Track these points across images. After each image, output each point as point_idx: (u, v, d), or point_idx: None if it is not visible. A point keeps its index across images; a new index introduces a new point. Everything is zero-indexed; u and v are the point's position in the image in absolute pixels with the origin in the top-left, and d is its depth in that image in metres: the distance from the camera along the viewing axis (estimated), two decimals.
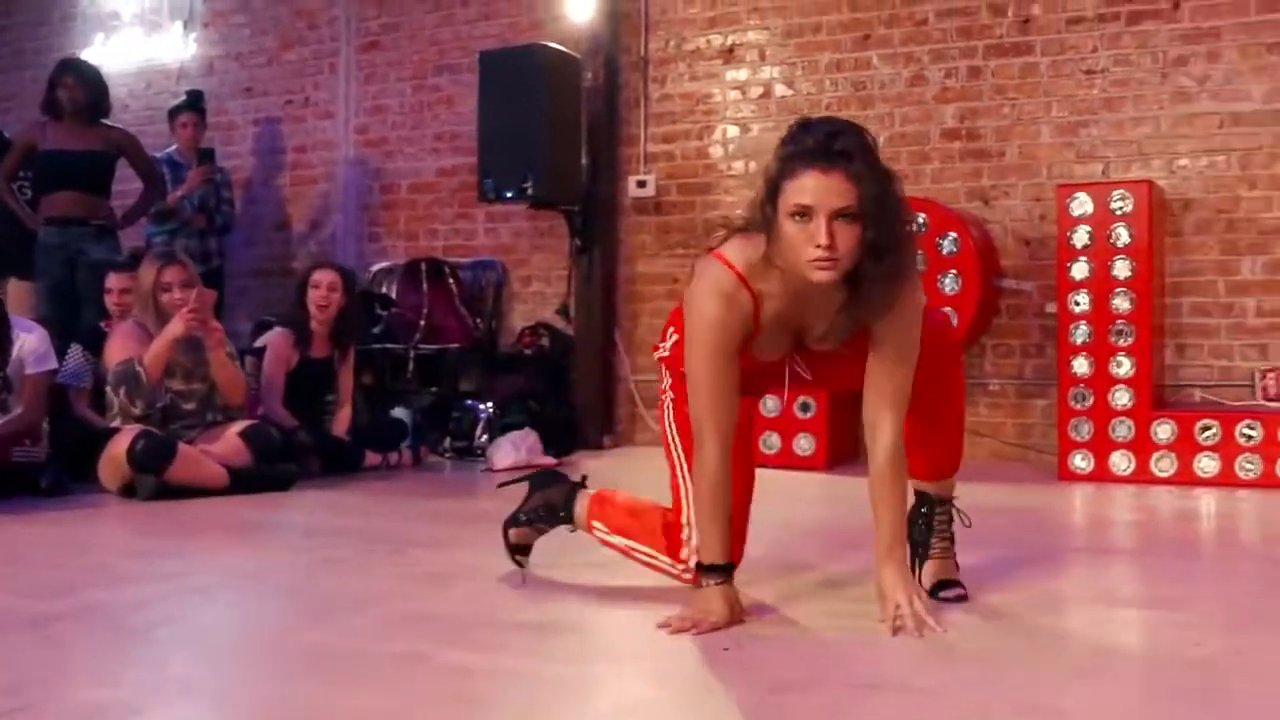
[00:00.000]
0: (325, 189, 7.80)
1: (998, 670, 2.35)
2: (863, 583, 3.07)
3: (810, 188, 2.47)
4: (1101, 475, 5.33)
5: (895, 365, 2.68)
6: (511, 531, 3.30)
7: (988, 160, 6.13)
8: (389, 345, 6.92)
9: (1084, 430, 5.37)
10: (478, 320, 7.10)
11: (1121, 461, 5.32)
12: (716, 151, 6.74)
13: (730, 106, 6.71)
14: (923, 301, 2.72)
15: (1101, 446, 5.35)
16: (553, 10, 7.05)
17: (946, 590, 2.96)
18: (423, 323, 6.93)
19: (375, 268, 7.44)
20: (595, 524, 3.12)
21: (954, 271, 5.63)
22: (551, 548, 3.28)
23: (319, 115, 7.82)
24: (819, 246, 2.47)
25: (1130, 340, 5.31)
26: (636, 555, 3.03)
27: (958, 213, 5.83)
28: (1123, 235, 5.32)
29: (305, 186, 7.87)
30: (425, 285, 7.05)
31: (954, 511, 3.02)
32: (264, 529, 4.30)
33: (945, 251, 5.63)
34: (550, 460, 6.08)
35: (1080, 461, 5.38)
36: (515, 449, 6.00)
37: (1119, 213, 5.32)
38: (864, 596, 2.84)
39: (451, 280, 7.11)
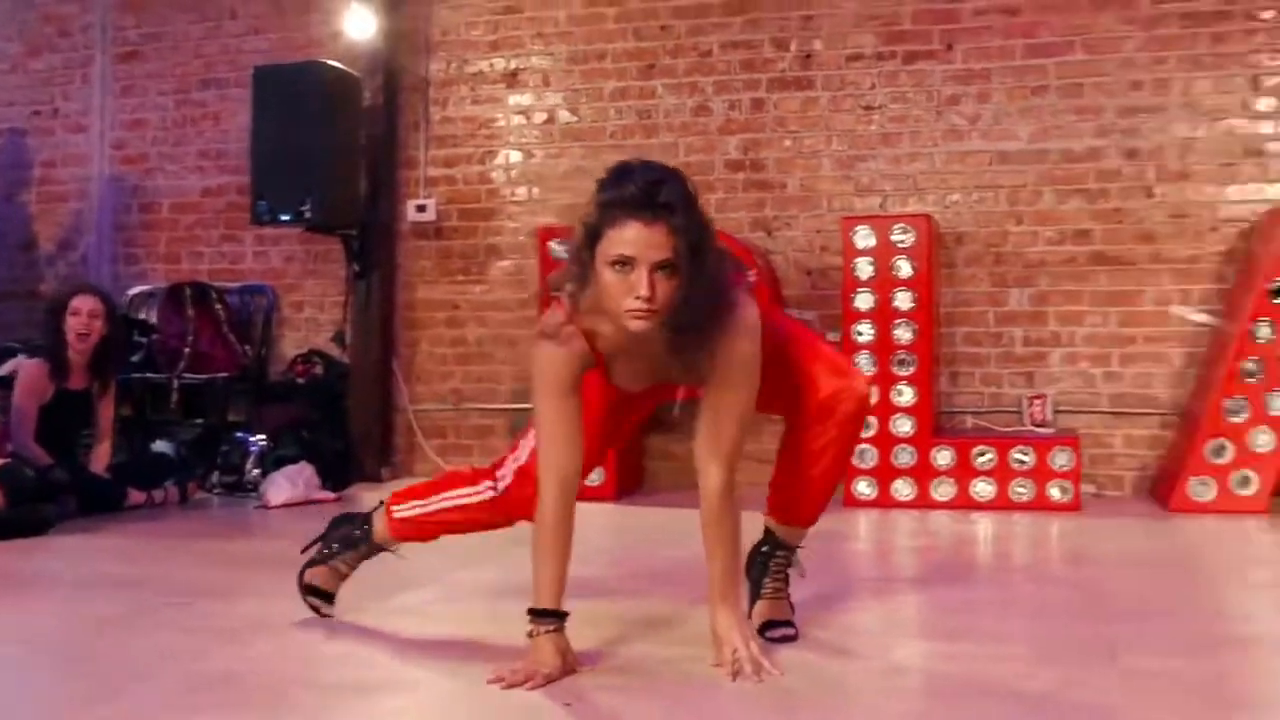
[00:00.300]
0: (77, 207, 7.28)
1: (841, 713, 2.32)
2: (685, 621, 3.04)
3: (631, 239, 2.44)
4: (885, 502, 5.46)
5: (722, 417, 2.65)
6: (309, 572, 3.12)
7: (770, 191, 6.22)
8: (150, 375, 6.51)
9: (868, 457, 5.48)
10: (246, 348, 6.75)
11: (904, 487, 5.46)
12: (499, 176, 6.62)
13: (514, 131, 6.61)
14: (751, 353, 2.66)
15: (884, 473, 5.47)
16: (329, 27, 6.79)
17: (774, 630, 2.94)
18: (187, 350, 6.54)
19: (133, 291, 6.98)
20: (394, 508, 3.07)
21: None
22: (355, 592, 3.11)
23: (70, 128, 7.31)
24: (638, 298, 2.43)
25: (911, 370, 5.47)
26: (446, 511, 3.01)
27: (743, 243, 5.89)
28: (904, 267, 5.47)
29: (54, 204, 7.33)
30: (190, 310, 6.66)
31: (793, 559, 3.01)
32: (25, 583, 3.93)
33: None
34: (328, 495, 5.83)
35: (865, 488, 5.49)
36: (291, 484, 5.72)
37: (900, 245, 5.47)
38: (690, 638, 2.80)
39: (219, 305, 6.73)
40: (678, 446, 6.05)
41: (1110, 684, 2.53)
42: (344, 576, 3.14)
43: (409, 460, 6.68)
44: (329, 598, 3.13)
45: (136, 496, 5.53)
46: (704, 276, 2.50)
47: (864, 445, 5.46)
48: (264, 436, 6.16)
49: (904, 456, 5.45)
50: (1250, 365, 5.13)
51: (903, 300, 5.47)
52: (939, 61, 6.04)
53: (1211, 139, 5.73)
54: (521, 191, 6.58)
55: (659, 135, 6.37)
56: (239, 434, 6.18)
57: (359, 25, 6.49)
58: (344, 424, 6.54)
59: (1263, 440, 5.11)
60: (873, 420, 5.46)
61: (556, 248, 5.65)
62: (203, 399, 6.58)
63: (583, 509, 2.67)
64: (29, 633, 3.12)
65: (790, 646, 2.83)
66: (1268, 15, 5.68)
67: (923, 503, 5.41)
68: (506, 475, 2.94)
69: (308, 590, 3.12)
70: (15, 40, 7.44)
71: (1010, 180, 5.94)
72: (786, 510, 2.97)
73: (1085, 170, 5.86)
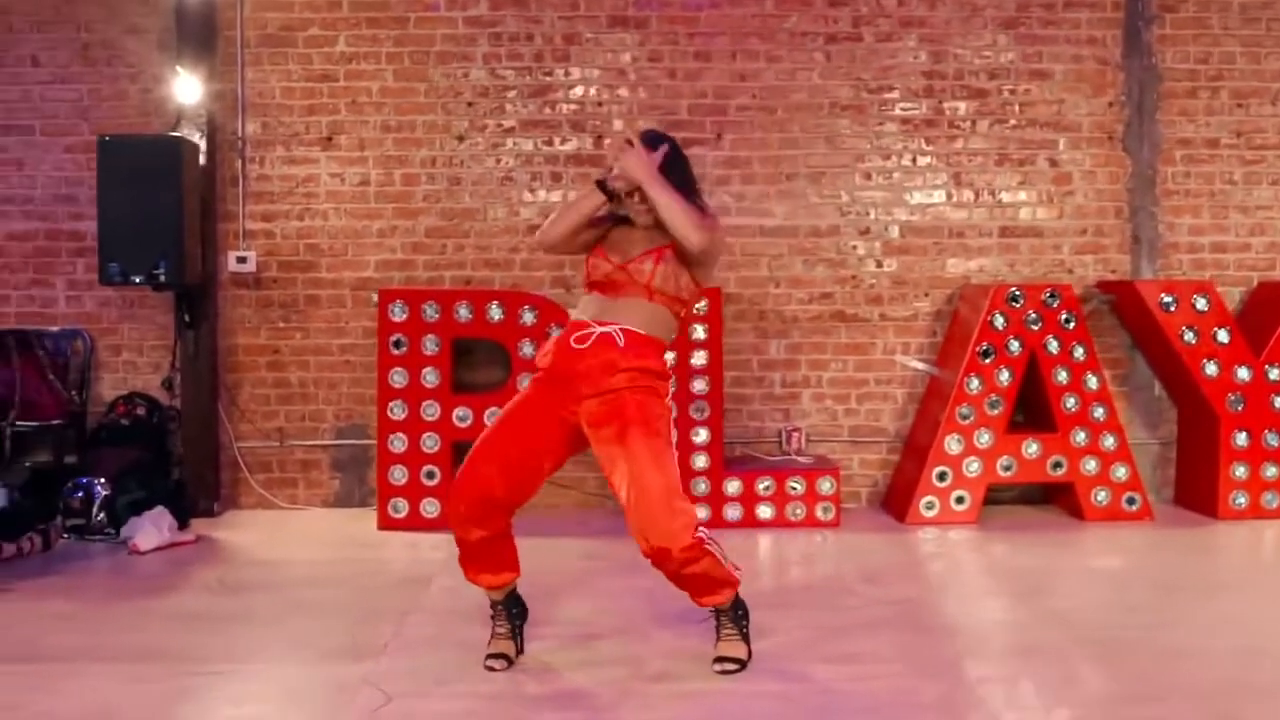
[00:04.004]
0: None
1: None
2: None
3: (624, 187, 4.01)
4: None
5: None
6: None
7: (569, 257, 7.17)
8: None
9: None
10: (71, 392, 7.04)
11: (700, 511, 6.62)
12: (317, 232, 7.20)
13: (330, 191, 7.21)
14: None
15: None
16: (139, 84, 7.14)
17: (722, 664, 4.04)
18: (17, 398, 6.79)
19: None
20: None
21: None
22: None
23: None
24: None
25: (705, 415, 6.64)
26: None
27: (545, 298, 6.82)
28: (699, 331, 6.63)
29: None
30: (14, 358, 6.88)
31: (731, 611, 4.10)
32: (40, 658, 4.35)
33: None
34: (189, 538, 6.35)
35: None
36: (157, 530, 6.20)
37: (697, 313, 6.61)
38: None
39: (40, 351, 6.99)
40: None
41: (963, 691, 3.79)
42: None
43: (234, 494, 7.21)
44: None
45: (7, 549, 5.88)
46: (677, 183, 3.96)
47: None
48: (105, 480, 6.56)
49: (701, 486, 6.63)
50: (964, 410, 6.64)
51: (699, 358, 6.63)
52: (710, 148, 7.20)
53: (924, 222, 7.21)
54: (339, 246, 7.21)
55: (465, 200, 7.19)
56: (84, 479, 6.54)
57: (185, 90, 6.90)
58: (172, 464, 6.99)
59: (973, 468, 6.64)
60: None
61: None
62: (32, 444, 6.84)
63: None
64: (123, 713, 3.72)
65: (741, 677, 3.96)
66: (966, 124, 7.20)
67: (715, 523, 6.60)
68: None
69: None
70: None
71: (769, 250, 7.20)
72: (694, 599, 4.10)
73: (829, 244, 7.21)
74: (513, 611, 4.24)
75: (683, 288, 4.03)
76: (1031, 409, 6.93)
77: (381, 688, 3.91)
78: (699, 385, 6.63)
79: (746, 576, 4.17)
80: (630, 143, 4.00)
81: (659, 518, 3.79)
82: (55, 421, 6.88)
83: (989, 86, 7.21)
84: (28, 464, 6.84)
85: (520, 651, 4.22)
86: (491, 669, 4.10)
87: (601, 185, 4.04)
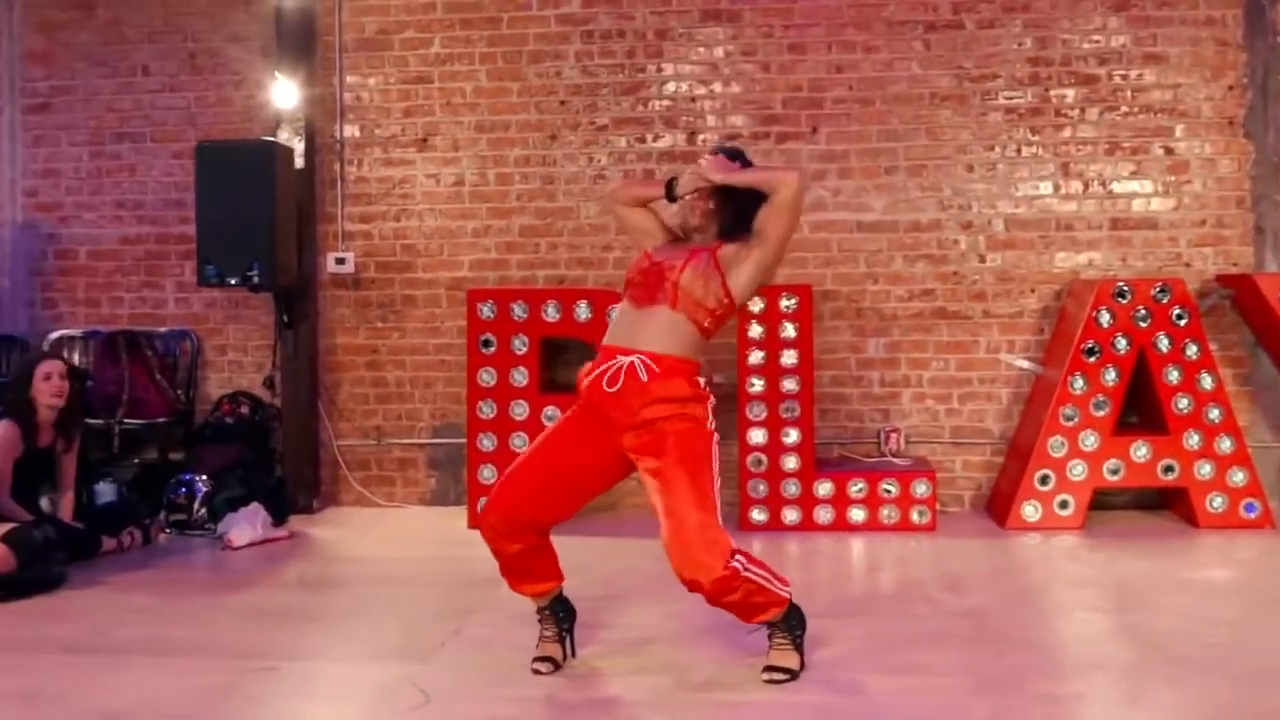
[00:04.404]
0: None
1: None
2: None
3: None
4: (775, 526, 6.48)
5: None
6: None
7: None
8: (89, 420, 6.93)
9: (760, 489, 6.48)
10: (178, 391, 7.25)
11: (790, 514, 6.49)
12: (413, 233, 7.28)
13: (425, 192, 7.27)
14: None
15: (775, 502, 6.49)
16: (244, 90, 7.32)
17: (770, 673, 3.90)
18: (125, 397, 7.01)
19: (54, 335, 7.36)
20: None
21: None
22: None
23: None
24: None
25: (795, 415, 6.48)
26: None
27: None
28: (789, 329, 6.48)
29: None
30: (124, 358, 7.11)
31: (783, 622, 3.96)
32: (102, 650, 4.47)
33: None
34: (282, 534, 6.46)
35: (758, 515, 6.50)
36: (251, 526, 6.33)
37: (786, 310, 6.47)
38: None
39: (149, 352, 7.21)
40: None
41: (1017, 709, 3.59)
42: None
43: (333, 491, 7.33)
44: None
45: (108, 543, 6.06)
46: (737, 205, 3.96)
47: (757, 479, 6.48)
48: (206, 476, 6.72)
49: (791, 488, 6.48)
50: (1068, 410, 6.35)
51: (788, 356, 6.48)
52: (805, 142, 7.04)
53: (1030, 215, 6.92)
54: (434, 246, 7.26)
55: (558, 199, 7.17)
56: (186, 475, 6.71)
57: (283, 95, 7.04)
58: (274, 462, 7.14)
59: (1078, 471, 6.35)
60: (764, 458, 6.48)
61: None
62: (140, 441, 7.07)
63: None
64: (163, 705, 3.78)
65: (789, 687, 3.82)
66: (1074, 113, 6.89)
67: (807, 526, 6.45)
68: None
69: None
70: None
71: (868, 246, 7.00)
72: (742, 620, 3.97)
73: (930, 239, 6.98)
74: (560, 615, 4.18)
75: (710, 293, 3.87)
76: (1144, 410, 6.60)
77: (424, 688, 3.89)
78: (789, 384, 6.47)
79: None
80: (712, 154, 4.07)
81: (692, 550, 3.73)
82: (161, 419, 7.09)
83: (1099, 72, 6.88)
84: (136, 460, 7.08)
85: (570, 655, 4.16)
86: (538, 672, 4.05)
87: (670, 184, 4.05)
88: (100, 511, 6.39)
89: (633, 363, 3.86)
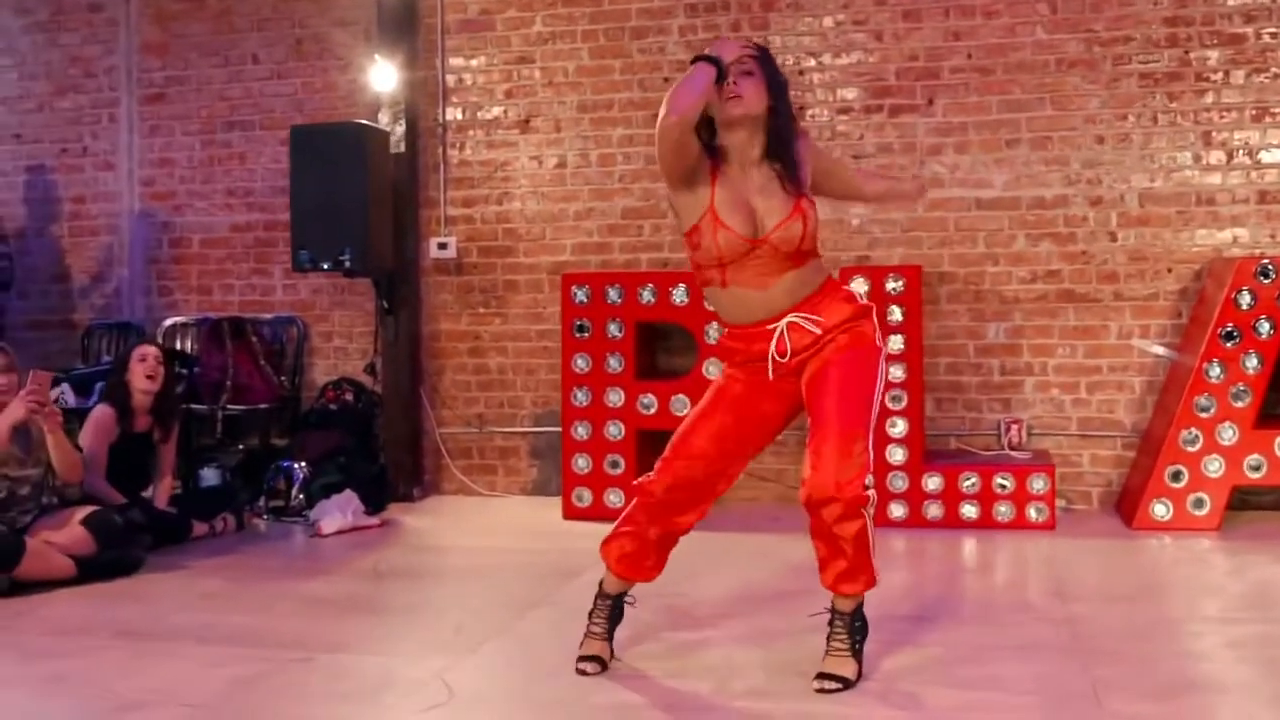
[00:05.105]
0: (108, 241, 7.72)
1: None
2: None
3: (725, 54, 3.48)
4: (881, 521, 6.07)
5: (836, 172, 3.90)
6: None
7: None
8: (194, 406, 6.99)
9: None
10: (281, 378, 7.25)
11: (897, 509, 6.10)
12: (515, 216, 7.12)
13: (527, 175, 7.11)
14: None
15: (881, 496, 6.09)
16: (348, 74, 7.27)
17: (821, 681, 3.57)
18: (229, 383, 7.04)
19: (168, 322, 7.46)
20: None
21: None
22: None
23: (99, 166, 7.72)
24: (732, 84, 3.46)
25: (903, 404, 6.09)
26: None
27: None
28: (895, 313, 6.08)
29: (85, 238, 7.76)
30: (228, 344, 7.14)
31: (849, 620, 3.62)
32: (152, 635, 4.42)
33: None
34: (373, 522, 6.37)
35: None
36: (342, 514, 6.25)
37: (893, 293, 6.08)
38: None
39: (254, 339, 7.24)
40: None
41: None
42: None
43: (436, 480, 7.23)
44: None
45: (200, 528, 6.06)
46: (783, 102, 3.53)
47: None
48: (305, 464, 6.69)
49: (898, 482, 6.09)
50: (1203, 400, 5.80)
51: (895, 342, 6.08)
52: (921, 115, 6.62)
53: (1167, 189, 6.37)
54: (537, 230, 7.09)
55: (662, 180, 6.89)
56: (285, 462, 6.70)
57: (381, 78, 6.96)
58: (377, 449, 7.07)
59: (1214, 467, 5.79)
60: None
61: None
62: (244, 427, 7.09)
63: None
64: (184, 695, 3.66)
65: (833, 697, 3.48)
66: (1217, 76, 6.31)
67: (915, 522, 6.06)
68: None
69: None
70: (42, 80, 7.82)
71: (987, 224, 6.55)
72: (826, 577, 3.59)
73: (1055, 216, 6.48)
74: (615, 612, 3.93)
75: (809, 224, 3.57)
76: None
77: (453, 685, 3.69)
78: (895, 372, 6.07)
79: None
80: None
81: (840, 462, 3.39)
82: (264, 405, 7.09)
83: (1244, 31, 6.28)
84: (240, 447, 7.10)
85: (612, 655, 3.91)
86: (583, 672, 3.79)
87: (713, 60, 3.43)
88: (194, 497, 6.41)
89: (793, 323, 3.54)
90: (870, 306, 3.65)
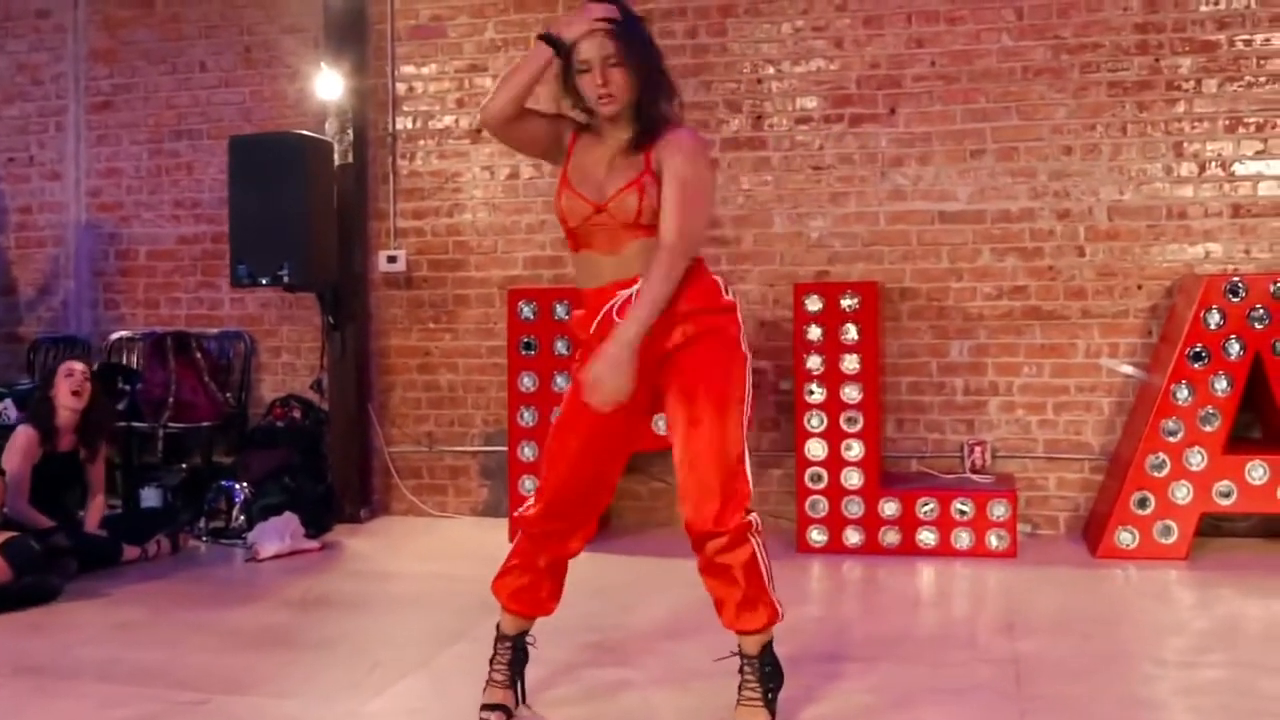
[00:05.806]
0: (55, 253, 7.51)
1: None
2: None
3: (584, 47, 3.27)
4: (836, 548, 5.86)
5: (670, 199, 3.22)
6: None
7: (725, 246, 6.55)
8: (135, 424, 6.78)
9: (820, 507, 5.88)
10: (227, 395, 7.04)
11: (853, 535, 5.86)
12: (466, 229, 6.90)
13: (479, 186, 6.89)
14: (695, 147, 3.33)
15: (835, 522, 5.87)
16: (296, 83, 7.06)
17: None
18: (171, 400, 6.82)
19: (114, 336, 7.25)
20: None
21: None
22: None
23: (46, 175, 7.52)
24: (600, 86, 3.26)
25: (859, 427, 5.85)
26: None
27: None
28: (851, 331, 5.85)
29: (32, 249, 7.56)
30: (172, 360, 6.93)
31: (758, 666, 3.38)
32: (53, 671, 4.18)
33: None
34: (313, 545, 6.15)
35: (817, 535, 5.90)
36: (280, 537, 6.03)
37: (848, 310, 5.85)
38: None
39: (199, 354, 7.02)
40: (640, 486, 6.47)
41: None
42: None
43: (385, 500, 7.01)
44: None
45: (131, 551, 5.84)
46: (651, 88, 3.30)
47: (816, 496, 5.88)
48: (247, 484, 6.47)
49: (853, 507, 5.85)
50: (1170, 424, 5.56)
51: (850, 361, 5.85)
52: (883, 125, 6.40)
53: (1137, 202, 6.13)
54: (489, 242, 6.88)
55: None
56: (225, 482, 6.48)
57: (327, 86, 6.74)
58: (325, 468, 6.85)
59: (1181, 494, 5.55)
60: (823, 473, 5.87)
61: None
62: (186, 445, 6.88)
63: None
64: None
65: None
66: (1189, 85, 6.07)
67: (871, 549, 5.82)
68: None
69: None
70: None
71: (950, 238, 6.32)
72: (726, 615, 3.37)
73: (1021, 229, 6.25)
74: (518, 653, 3.70)
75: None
76: (1262, 425, 5.75)
77: None
78: (851, 392, 5.84)
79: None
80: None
81: (717, 489, 3.25)
82: (207, 423, 6.87)
83: (1217, 38, 6.04)
84: (183, 466, 6.88)
85: (520, 701, 3.68)
86: None
87: (549, 38, 3.33)
88: (128, 518, 6.20)
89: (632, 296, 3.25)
90: (733, 304, 3.38)
